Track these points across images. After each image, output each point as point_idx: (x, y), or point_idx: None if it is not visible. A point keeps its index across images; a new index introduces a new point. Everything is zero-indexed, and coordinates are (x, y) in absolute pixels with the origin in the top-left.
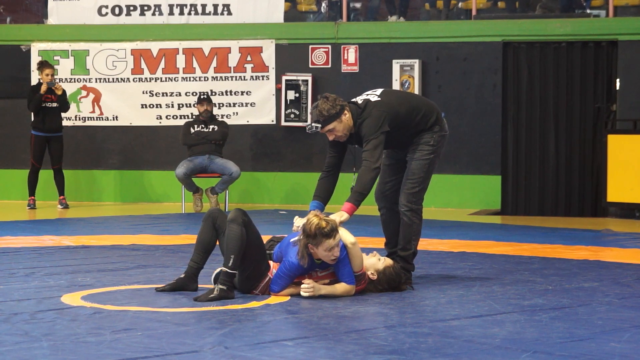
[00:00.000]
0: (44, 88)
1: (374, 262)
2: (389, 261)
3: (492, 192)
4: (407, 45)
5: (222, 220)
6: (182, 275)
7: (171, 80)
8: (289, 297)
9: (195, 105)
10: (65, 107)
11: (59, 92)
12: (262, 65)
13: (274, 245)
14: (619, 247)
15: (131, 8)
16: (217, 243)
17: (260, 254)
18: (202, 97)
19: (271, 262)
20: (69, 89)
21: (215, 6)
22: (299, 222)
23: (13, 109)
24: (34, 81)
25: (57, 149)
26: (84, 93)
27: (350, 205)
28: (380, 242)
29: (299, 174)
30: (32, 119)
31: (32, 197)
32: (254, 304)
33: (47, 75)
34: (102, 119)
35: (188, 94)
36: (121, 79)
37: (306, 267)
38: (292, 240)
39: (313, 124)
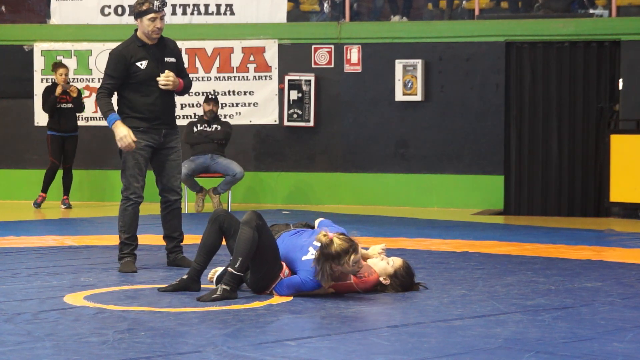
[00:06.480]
0: (58, 90)
1: (384, 267)
2: (397, 262)
3: (494, 192)
4: (410, 45)
5: (229, 223)
6: (185, 277)
7: None
8: (291, 297)
9: (202, 103)
10: (80, 108)
11: (74, 95)
12: (264, 65)
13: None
14: (622, 247)
15: None
16: (224, 242)
17: (273, 256)
18: (209, 97)
19: (283, 263)
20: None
21: (218, 6)
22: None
23: (16, 109)
24: (36, 81)
25: (71, 149)
26: (87, 93)
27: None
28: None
29: (302, 174)
30: (48, 119)
31: (43, 195)
32: (256, 304)
33: (61, 75)
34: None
35: (191, 93)
36: None
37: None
38: (311, 265)
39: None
